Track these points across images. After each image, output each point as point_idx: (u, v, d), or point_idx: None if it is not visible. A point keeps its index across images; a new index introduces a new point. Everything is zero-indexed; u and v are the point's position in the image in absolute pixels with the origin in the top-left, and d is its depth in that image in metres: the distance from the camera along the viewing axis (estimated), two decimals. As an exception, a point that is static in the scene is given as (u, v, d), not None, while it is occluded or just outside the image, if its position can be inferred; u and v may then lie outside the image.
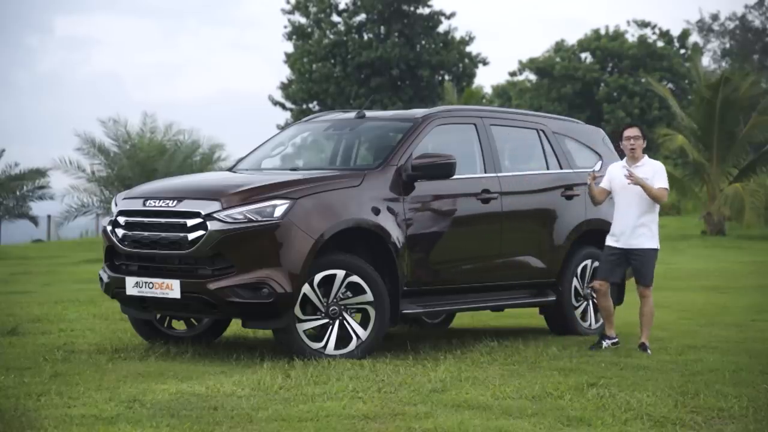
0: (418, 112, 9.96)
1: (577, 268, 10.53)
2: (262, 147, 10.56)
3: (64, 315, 11.99)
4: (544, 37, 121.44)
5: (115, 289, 8.98)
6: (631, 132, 9.53)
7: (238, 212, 8.41)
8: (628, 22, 58.24)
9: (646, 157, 9.61)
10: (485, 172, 9.90)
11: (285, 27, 49.57)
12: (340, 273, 8.65)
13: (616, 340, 9.72)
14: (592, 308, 10.72)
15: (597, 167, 9.90)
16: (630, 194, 9.44)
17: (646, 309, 9.57)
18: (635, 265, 9.51)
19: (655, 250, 9.52)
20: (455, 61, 48.15)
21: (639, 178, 9.36)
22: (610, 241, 9.59)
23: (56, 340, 9.91)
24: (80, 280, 18.65)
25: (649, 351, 9.38)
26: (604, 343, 9.60)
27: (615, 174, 9.62)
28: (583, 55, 53.03)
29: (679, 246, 27.35)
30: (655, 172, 9.45)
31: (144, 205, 8.83)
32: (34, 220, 36.22)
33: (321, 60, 48.08)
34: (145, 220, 8.77)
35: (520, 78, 55.91)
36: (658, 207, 9.51)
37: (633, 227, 9.43)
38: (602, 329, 9.86)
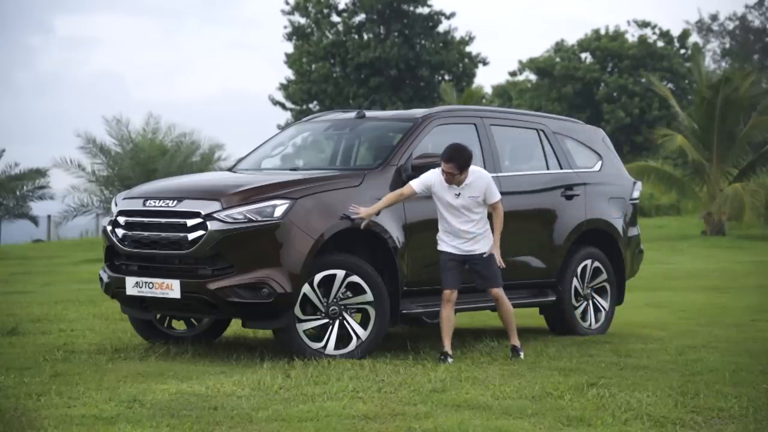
0: (418, 112, 9.96)
1: (577, 268, 10.52)
2: (262, 147, 10.56)
3: (64, 315, 11.99)
4: (544, 37, 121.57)
5: (115, 289, 8.98)
6: (447, 167, 8.61)
7: (238, 212, 8.41)
8: (628, 22, 58.40)
9: (469, 172, 8.70)
10: (485, 172, 9.89)
11: (285, 27, 49.65)
12: (340, 273, 8.65)
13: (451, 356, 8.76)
14: (592, 308, 10.72)
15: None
16: (457, 211, 8.75)
17: (504, 310, 9.00)
18: (479, 270, 8.87)
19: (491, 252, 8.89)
20: (455, 61, 48.18)
21: (497, 255, 8.76)
22: (445, 247, 8.85)
23: (56, 340, 9.91)
24: (80, 280, 18.64)
25: (521, 354, 8.92)
26: (450, 360, 8.72)
27: (438, 187, 8.77)
28: (583, 55, 53.05)
29: (679, 246, 27.34)
30: (485, 189, 8.72)
31: (144, 205, 8.83)
32: (34, 220, 36.19)
33: (320, 60, 48.11)
34: (145, 220, 8.77)
35: (520, 78, 55.96)
36: (484, 212, 8.82)
37: (470, 234, 8.80)
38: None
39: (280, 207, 8.45)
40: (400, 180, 9.14)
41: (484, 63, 49.36)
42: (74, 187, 30.77)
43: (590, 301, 10.71)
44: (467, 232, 8.81)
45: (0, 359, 8.65)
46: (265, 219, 8.41)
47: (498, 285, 8.93)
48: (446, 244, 8.87)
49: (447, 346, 8.81)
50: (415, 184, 8.84)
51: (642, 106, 49.19)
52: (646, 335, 10.63)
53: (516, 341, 9.07)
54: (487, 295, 9.45)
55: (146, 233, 8.74)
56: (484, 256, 8.84)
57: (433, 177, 8.83)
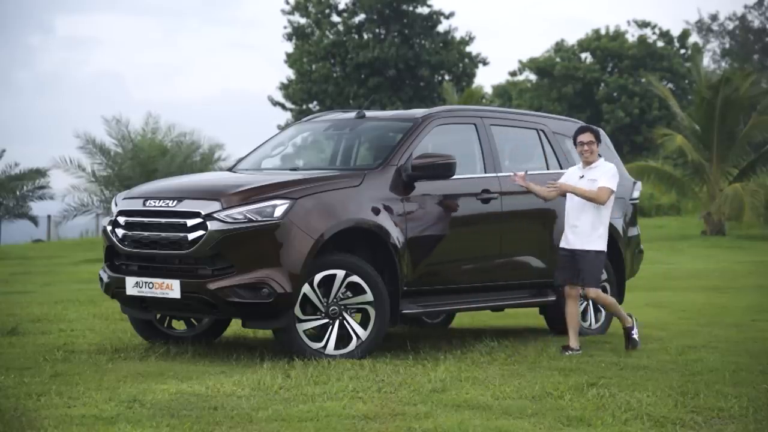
0: (418, 112, 9.96)
1: (577, 268, 10.51)
2: (262, 147, 10.56)
3: (64, 315, 11.99)
4: (544, 37, 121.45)
5: (115, 289, 8.98)
6: (585, 137, 9.38)
7: (238, 212, 8.41)
8: (628, 22, 58.51)
9: (600, 160, 9.47)
10: (485, 172, 9.90)
11: (285, 27, 49.65)
12: (340, 273, 8.65)
13: (579, 351, 9.28)
14: (592, 308, 10.72)
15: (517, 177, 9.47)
16: (575, 198, 9.34)
17: (606, 305, 9.69)
18: (580, 266, 9.31)
19: (597, 251, 9.28)
20: (455, 60, 48.17)
21: (566, 186, 9.32)
22: (562, 242, 9.47)
23: (56, 340, 9.91)
24: (80, 280, 18.64)
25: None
26: (568, 353, 9.20)
27: (569, 177, 9.55)
28: (583, 55, 53.06)
29: (679, 246, 27.35)
30: (602, 174, 9.30)
31: (144, 205, 8.83)
32: (34, 220, 36.21)
33: (320, 60, 48.11)
34: (145, 220, 8.77)
35: (520, 78, 55.96)
36: (604, 209, 9.29)
37: (577, 229, 9.30)
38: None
39: (280, 207, 8.45)
40: (400, 180, 9.15)
41: (484, 63, 49.36)
42: (74, 187, 30.84)
43: (590, 301, 10.71)
44: (578, 222, 9.28)
45: (0, 359, 8.66)
46: (265, 219, 8.41)
47: (591, 284, 9.32)
48: (564, 239, 9.39)
49: (572, 342, 9.31)
50: (561, 180, 9.58)
51: (642, 106, 49.19)
52: (646, 335, 10.62)
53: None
54: (487, 294, 9.47)
55: (146, 233, 8.74)
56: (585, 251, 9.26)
57: (568, 170, 9.73)
